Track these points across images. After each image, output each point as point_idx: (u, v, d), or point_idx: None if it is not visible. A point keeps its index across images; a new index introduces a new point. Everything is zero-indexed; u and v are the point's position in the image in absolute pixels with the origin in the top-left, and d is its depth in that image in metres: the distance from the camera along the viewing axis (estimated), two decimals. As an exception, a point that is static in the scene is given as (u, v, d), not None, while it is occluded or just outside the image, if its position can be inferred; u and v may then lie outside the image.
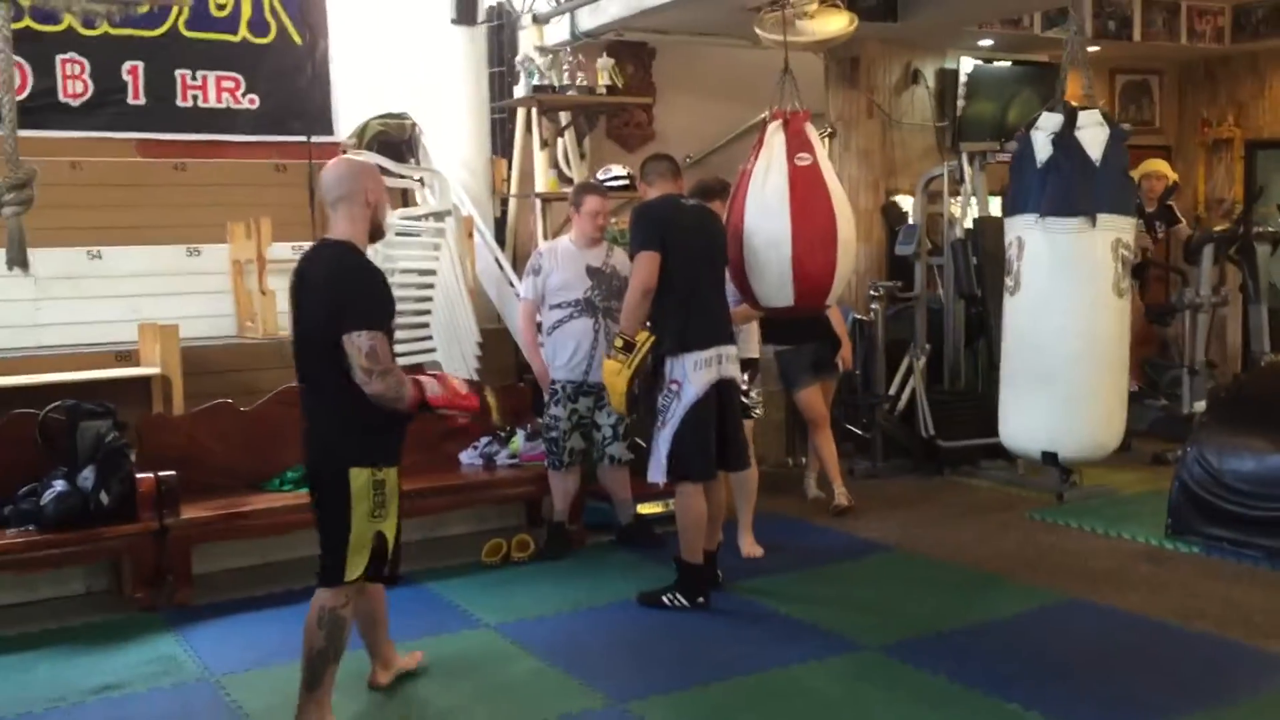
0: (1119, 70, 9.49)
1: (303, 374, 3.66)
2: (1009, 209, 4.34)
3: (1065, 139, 4.05)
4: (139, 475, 4.93)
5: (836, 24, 6.21)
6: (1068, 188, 4.03)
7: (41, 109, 6.72)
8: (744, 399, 5.21)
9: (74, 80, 6.97)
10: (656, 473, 4.84)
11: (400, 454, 3.69)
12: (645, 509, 5.87)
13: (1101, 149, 4.04)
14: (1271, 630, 4.40)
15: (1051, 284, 4.14)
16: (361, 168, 3.74)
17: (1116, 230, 4.09)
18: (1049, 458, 4.35)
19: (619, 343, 4.75)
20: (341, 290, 3.50)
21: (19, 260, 3.89)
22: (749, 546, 5.53)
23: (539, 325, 5.69)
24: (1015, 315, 4.31)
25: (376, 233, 3.70)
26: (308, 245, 5.58)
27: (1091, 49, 4.34)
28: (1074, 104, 4.16)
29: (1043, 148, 4.11)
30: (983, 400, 7.28)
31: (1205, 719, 3.70)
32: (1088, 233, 4.04)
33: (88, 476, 4.86)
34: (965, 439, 7.09)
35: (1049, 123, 4.12)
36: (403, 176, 7.08)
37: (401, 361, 4.38)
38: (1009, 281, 4.27)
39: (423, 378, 3.68)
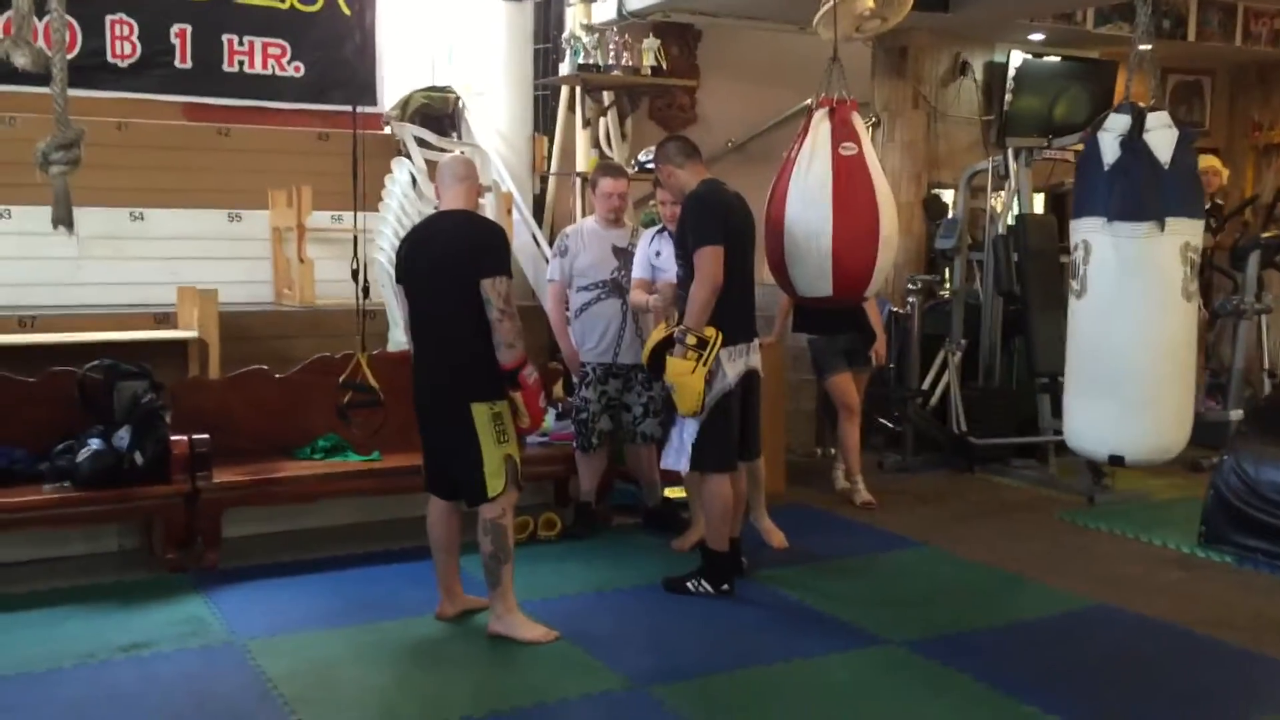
0: (1171, 70, 9.33)
1: (428, 324, 4.20)
2: (1075, 211, 4.26)
3: (1134, 141, 3.97)
4: (173, 437, 4.98)
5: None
6: (1136, 191, 3.95)
7: (90, 69, 6.77)
8: None
9: (122, 41, 7.01)
10: (681, 460, 4.76)
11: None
12: (672, 493, 5.86)
13: (1170, 151, 3.95)
14: (1302, 644, 4.35)
15: (1119, 288, 4.05)
16: (471, 163, 4.50)
17: (1185, 234, 4.00)
18: (1116, 460, 4.30)
19: (691, 340, 4.50)
20: (478, 242, 4.16)
21: (64, 219, 3.90)
22: (776, 537, 5.52)
23: (567, 306, 5.67)
24: (1081, 319, 4.22)
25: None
26: (347, 215, 5.68)
27: (1144, 47, 4.24)
28: (1141, 105, 4.08)
29: (1110, 150, 4.02)
30: (1017, 398, 7.24)
31: (1230, 731, 3.67)
32: (1156, 237, 3.95)
33: (123, 436, 4.91)
34: (997, 437, 7.04)
35: (1117, 124, 4.03)
36: (443, 150, 7.08)
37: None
38: (1074, 285, 4.19)
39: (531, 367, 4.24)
